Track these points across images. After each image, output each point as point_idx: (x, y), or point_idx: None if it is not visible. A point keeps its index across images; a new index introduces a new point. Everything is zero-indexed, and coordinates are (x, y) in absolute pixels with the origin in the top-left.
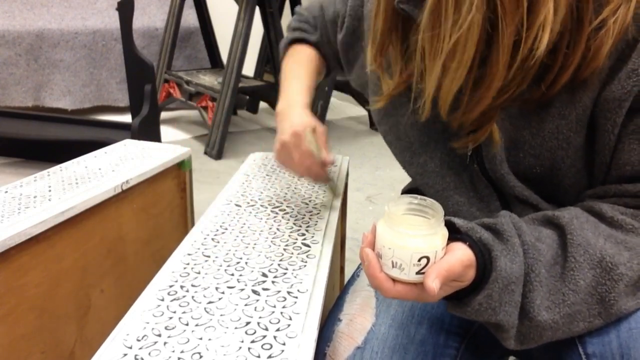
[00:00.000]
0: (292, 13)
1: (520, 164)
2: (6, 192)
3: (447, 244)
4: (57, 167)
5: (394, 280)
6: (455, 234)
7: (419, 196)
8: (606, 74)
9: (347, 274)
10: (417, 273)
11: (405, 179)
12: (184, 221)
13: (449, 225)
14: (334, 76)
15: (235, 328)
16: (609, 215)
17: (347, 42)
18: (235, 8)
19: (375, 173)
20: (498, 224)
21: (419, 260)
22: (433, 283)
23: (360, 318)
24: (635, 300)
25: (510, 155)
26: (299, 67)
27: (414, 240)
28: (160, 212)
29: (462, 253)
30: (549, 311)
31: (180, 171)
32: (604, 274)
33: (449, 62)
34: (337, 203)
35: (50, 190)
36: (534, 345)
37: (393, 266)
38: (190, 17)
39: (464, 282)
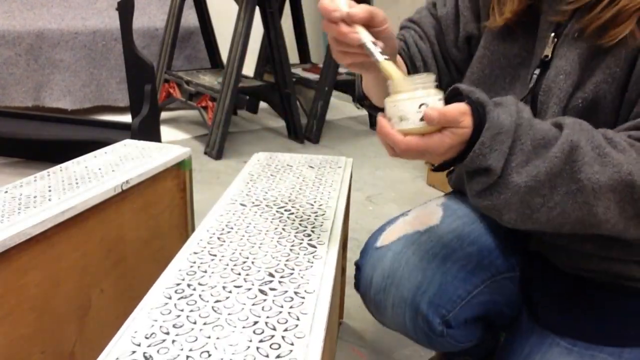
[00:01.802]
0: (292, 13)
1: (572, 98)
2: (6, 192)
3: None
4: (57, 167)
5: (404, 134)
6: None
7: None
8: None
9: (349, 275)
10: (421, 120)
11: (404, 180)
12: (184, 221)
13: (453, 89)
14: (331, 77)
15: (243, 327)
16: (609, 135)
17: None
18: (235, 8)
19: (375, 173)
20: (504, 99)
21: (420, 107)
22: (432, 112)
23: (425, 218)
24: (603, 167)
25: (570, 92)
26: None
27: (413, 92)
28: (160, 212)
29: (458, 104)
30: (519, 175)
31: (180, 171)
32: (570, 154)
33: None
34: (342, 204)
35: (50, 190)
36: (494, 204)
37: (400, 120)
38: (190, 17)
39: (464, 128)
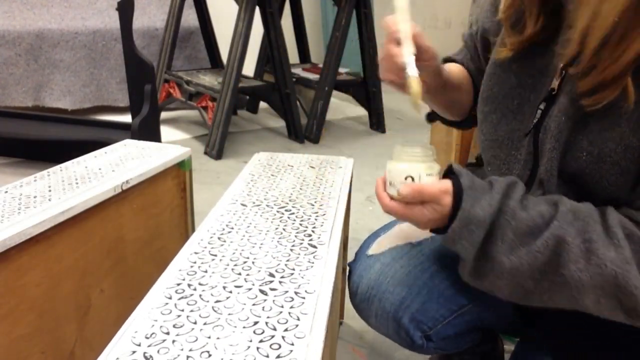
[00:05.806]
0: (292, 13)
1: (575, 145)
2: (6, 192)
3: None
4: (57, 167)
5: (391, 197)
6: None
7: (422, 145)
8: None
9: None
10: None
11: None
12: (184, 221)
13: (449, 167)
14: (330, 80)
15: (244, 327)
16: (612, 223)
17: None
18: (235, 8)
19: (375, 173)
20: (494, 180)
21: (405, 178)
22: (405, 189)
23: (420, 230)
24: (587, 264)
25: (570, 135)
26: None
27: (404, 164)
28: (160, 212)
29: (442, 183)
30: (501, 264)
31: (180, 171)
32: (555, 248)
33: None
34: (342, 204)
35: (50, 190)
36: (484, 285)
37: (390, 185)
38: (190, 17)
39: (443, 206)
